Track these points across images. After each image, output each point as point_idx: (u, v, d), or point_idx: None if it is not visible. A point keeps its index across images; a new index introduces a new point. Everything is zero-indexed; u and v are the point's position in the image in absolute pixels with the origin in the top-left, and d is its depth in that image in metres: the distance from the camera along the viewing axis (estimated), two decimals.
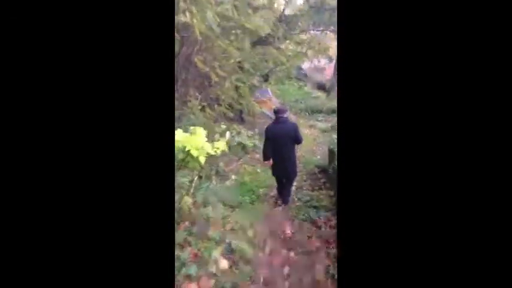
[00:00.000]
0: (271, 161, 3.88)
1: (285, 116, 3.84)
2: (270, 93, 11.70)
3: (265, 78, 14.80)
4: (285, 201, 4.02)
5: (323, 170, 5.89)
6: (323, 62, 16.90)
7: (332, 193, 4.42)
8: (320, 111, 12.89)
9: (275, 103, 12.84)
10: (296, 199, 4.48)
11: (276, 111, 3.85)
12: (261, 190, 4.93)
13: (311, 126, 11.28)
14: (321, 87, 17.59)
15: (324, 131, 10.70)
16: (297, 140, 3.79)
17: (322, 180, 5.17)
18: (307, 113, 12.24)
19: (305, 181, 5.47)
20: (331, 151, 5.33)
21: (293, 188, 4.36)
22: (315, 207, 4.10)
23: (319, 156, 8.01)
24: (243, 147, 6.06)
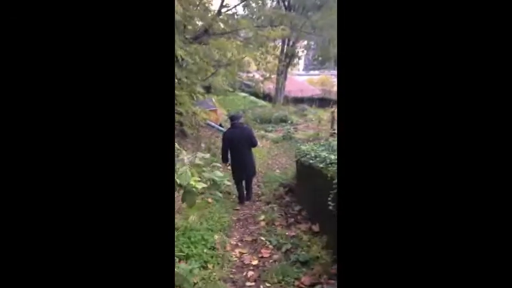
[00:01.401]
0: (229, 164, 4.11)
1: (240, 121, 4.06)
2: (215, 105, 10.32)
3: (208, 89, 13.42)
4: (249, 198, 4.23)
5: (290, 190, 4.62)
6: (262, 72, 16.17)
7: (316, 226, 3.06)
8: (269, 121, 11.81)
9: (220, 114, 11.50)
10: (270, 245, 2.98)
11: (232, 117, 4.07)
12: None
13: (262, 137, 10.06)
14: (264, 97, 16.83)
15: (275, 141, 9.62)
16: (253, 143, 3.98)
17: (296, 208, 3.85)
18: (256, 123, 11.02)
19: (274, 210, 3.82)
20: (301, 163, 4.07)
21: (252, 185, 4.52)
22: (302, 263, 2.54)
23: (278, 171, 6.78)
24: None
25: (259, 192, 4.86)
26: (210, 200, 4.04)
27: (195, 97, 6.40)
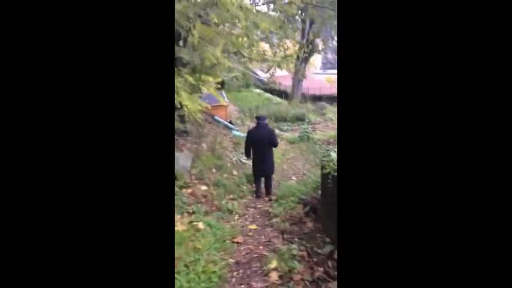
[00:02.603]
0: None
1: (265, 122, 4.25)
2: (226, 99, 9.08)
3: (222, 85, 12.33)
4: (268, 193, 4.24)
5: (312, 209, 3.31)
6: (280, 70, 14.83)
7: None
8: (284, 119, 10.46)
9: (232, 110, 10.25)
10: None
11: (258, 118, 4.28)
12: None
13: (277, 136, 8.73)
14: (280, 95, 15.47)
15: (291, 142, 8.29)
16: (274, 144, 4.16)
17: (326, 248, 2.49)
18: (270, 121, 9.70)
19: (291, 249, 2.43)
20: (328, 176, 2.78)
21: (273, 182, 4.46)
22: None
23: (294, 178, 5.46)
24: None
25: (270, 211, 3.56)
26: (200, 225, 2.78)
27: (200, 89, 5.18)
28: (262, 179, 4.29)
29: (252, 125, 9.72)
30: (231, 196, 3.97)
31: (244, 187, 4.56)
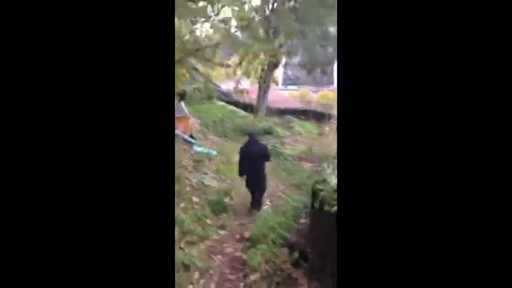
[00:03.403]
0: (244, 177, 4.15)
1: (256, 138, 4.27)
2: (186, 111, 7.89)
3: (182, 96, 11.08)
4: (258, 208, 4.09)
5: (302, 256, 2.32)
6: (245, 83, 14.07)
7: None
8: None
9: (193, 123, 9.07)
10: None
11: (250, 134, 4.32)
12: None
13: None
14: (245, 107, 14.59)
15: None
16: (266, 159, 4.13)
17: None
18: (236, 135, 8.68)
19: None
20: (323, 210, 1.85)
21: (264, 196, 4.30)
22: None
23: (268, 203, 4.45)
24: None
25: (245, 259, 2.48)
26: None
27: None
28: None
29: (216, 139, 8.71)
30: (189, 238, 2.82)
31: (208, 221, 3.42)
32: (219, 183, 4.92)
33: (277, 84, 13.82)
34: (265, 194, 4.35)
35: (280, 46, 11.88)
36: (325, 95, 32.05)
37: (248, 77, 5.92)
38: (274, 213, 3.63)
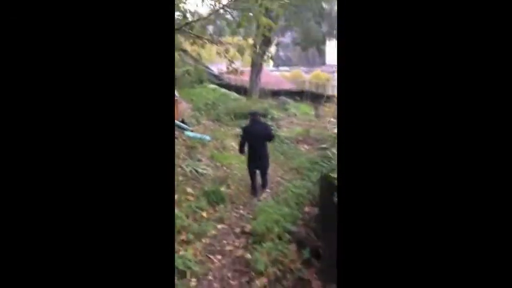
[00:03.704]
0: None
1: (258, 117, 4.26)
2: (177, 94, 7.39)
3: None
4: (264, 186, 4.14)
5: (312, 251, 1.98)
6: (237, 64, 13.40)
7: None
8: (246, 116, 9.05)
9: (185, 108, 8.58)
10: None
11: (252, 114, 4.29)
12: None
13: (238, 136, 7.31)
14: (237, 90, 14.04)
15: None
16: (269, 137, 4.04)
17: None
18: (230, 119, 8.24)
19: None
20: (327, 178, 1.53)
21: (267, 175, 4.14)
22: None
23: (268, 190, 4.12)
24: None
25: (249, 259, 2.15)
26: None
27: None
28: (257, 175, 4.07)
29: (209, 123, 8.28)
30: (184, 237, 2.47)
31: (204, 213, 3.08)
32: (214, 171, 4.56)
33: (272, 59, 13.02)
34: (268, 173, 4.25)
35: (270, 29, 11.25)
36: (317, 75, 31.47)
37: (242, 54, 5.40)
38: (276, 203, 3.31)
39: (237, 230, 2.85)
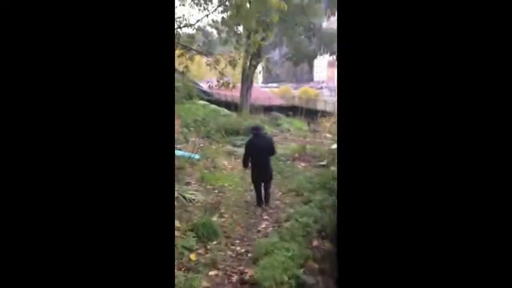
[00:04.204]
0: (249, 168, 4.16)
1: (262, 132, 4.34)
2: None
3: None
4: (266, 201, 4.09)
5: None
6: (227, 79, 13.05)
7: None
8: (236, 132, 8.53)
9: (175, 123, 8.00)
10: None
11: (255, 129, 4.29)
12: None
13: (229, 155, 6.74)
14: (228, 106, 13.57)
15: None
16: (273, 153, 4.10)
17: None
18: (220, 136, 7.66)
19: None
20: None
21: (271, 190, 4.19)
22: None
23: (266, 217, 3.53)
24: None
25: None
26: None
27: None
28: (262, 187, 4.06)
29: (199, 141, 7.68)
30: None
31: (193, 255, 2.44)
32: (205, 196, 3.94)
33: (268, 71, 12.51)
34: (271, 187, 4.29)
35: (263, 39, 10.97)
36: (306, 91, 31.59)
37: (234, 66, 4.92)
38: (280, 238, 2.70)
39: (235, 277, 2.22)
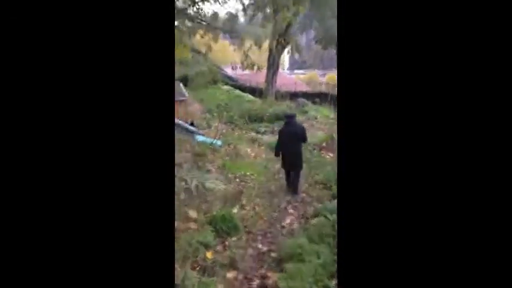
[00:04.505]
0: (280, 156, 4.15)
1: (294, 120, 4.23)
2: (185, 93, 6.57)
3: (183, 82, 9.80)
4: (295, 192, 3.92)
5: None
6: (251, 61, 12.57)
7: None
8: (261, 119, 8.17)
9: (196, 109, 7.77)
10: None
11: (287, 116, 4.30)
12: None
13: (253, 142, 6.42)
14: (252, 92, 13.18)
15: (273, 147, 6.01)
16: (304, 140, 4.08)
17: None
18: (244, 122, 7.36)
19: None
20: None
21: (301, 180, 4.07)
22: None
23: (291, 210, 3.21)
24: None
25: None
26: None
27: None
28: (291, 175, 4.00)
29: (222, 126, 7.45)
30: None
31: (209, 253, 2.17)
32: (226, 185, 3.67)
33: (297, 51, 11.69)
34: (301, 176, 4.19)
35: (289, 25, 10.32)
36: (333, 77, 30.37)
37: (260, 47, 4.54)
38: (308, 239, 2.36)
39: (255, 282, 1.93)
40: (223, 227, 2.57)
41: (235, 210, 3.00)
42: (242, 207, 3.20)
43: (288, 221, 3.09)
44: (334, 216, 2.83)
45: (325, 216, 2.87)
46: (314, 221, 2.94)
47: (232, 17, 4.81)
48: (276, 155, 4.24)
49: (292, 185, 4.02)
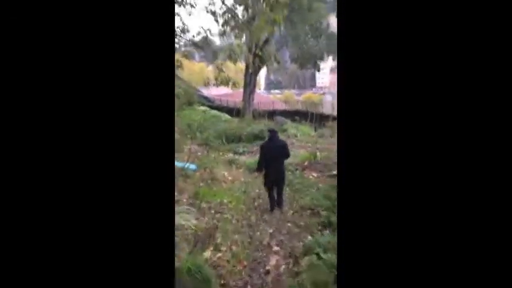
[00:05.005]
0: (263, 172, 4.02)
1: (277, 134, 4.11)
2: None
3: None
4: (280, 205, 3.90)
5: None
6: (225, 76, 12.24)
7: None
8: (238, 139, 7.67)
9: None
10: None
11: (270, 132, 4.09)
12: None
13: (230, 163, 5.86)
14: (230, 112, 12.76)
15: (252, 168, 5.45)
16: (287, 155, 3.97)
17: None
18: (220, 143, 6.82)
19: None
20: None
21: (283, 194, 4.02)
22: None
23: (277, 256, 2.62)
24: None
25: None
26: None
27: None
28: (274, 191, 3.85)
29: (196, 148, 6.82)
30: None
31: None
32: (198, 219, 3.04)
33: (277, 61, 11.34)
34: (284, 192, 4.14)
35: (267, 41, 10.17)
36: (309, 97, 30.87)
37: (235, 60, 4.12)
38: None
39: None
40: (196, 276, 1.95)
41: (207, 254, 2.38)
42: (216, 247, 2.59)
43: (273, 262, 2.51)
44: (329, 256, 2.29)
45: (318, 255, 2.33)
46: (305, 260, 2.39)
47: (204, 31, 4.43)
48: (258, 171, 4.12)
49: (276, 200, 3.89)
